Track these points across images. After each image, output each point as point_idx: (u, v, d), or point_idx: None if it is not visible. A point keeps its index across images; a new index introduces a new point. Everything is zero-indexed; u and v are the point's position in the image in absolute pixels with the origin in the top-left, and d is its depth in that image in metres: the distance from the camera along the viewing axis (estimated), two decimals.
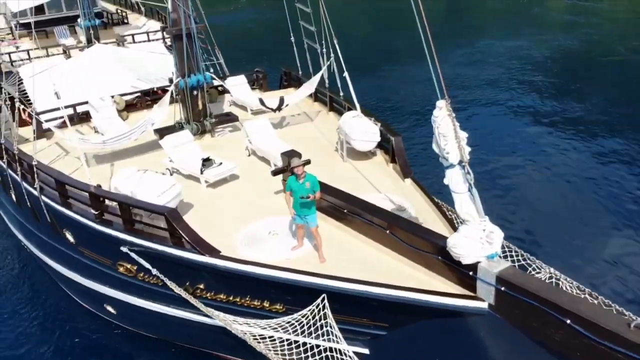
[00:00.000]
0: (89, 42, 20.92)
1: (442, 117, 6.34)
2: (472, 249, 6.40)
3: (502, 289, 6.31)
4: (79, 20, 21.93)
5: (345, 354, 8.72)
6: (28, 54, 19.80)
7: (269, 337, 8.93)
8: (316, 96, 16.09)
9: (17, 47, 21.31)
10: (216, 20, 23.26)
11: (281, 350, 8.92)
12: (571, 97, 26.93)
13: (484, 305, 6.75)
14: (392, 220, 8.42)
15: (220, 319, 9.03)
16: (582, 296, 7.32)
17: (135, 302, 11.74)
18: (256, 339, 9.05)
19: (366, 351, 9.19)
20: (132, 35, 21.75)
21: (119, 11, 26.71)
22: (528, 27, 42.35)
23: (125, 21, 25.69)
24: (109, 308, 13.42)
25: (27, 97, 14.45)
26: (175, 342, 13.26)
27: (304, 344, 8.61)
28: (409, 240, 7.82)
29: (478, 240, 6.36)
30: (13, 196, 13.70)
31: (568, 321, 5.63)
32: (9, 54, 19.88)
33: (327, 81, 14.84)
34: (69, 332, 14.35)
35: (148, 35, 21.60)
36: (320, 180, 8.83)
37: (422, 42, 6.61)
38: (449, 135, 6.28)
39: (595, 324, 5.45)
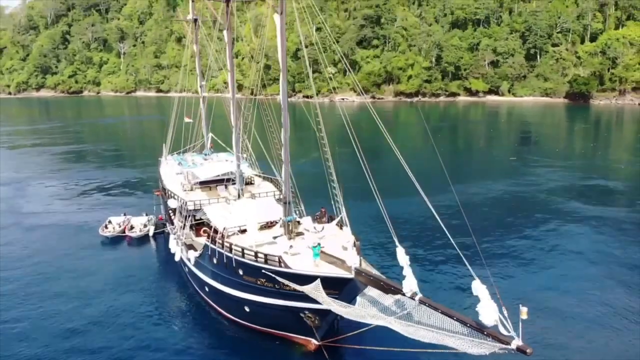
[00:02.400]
0: (239, 197, 43.16)
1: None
2: (351, 261, 26.41)
3: (355, 270, 26.13)
4: (231, 182, 44.55)
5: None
6: (208, 201, 42.34)
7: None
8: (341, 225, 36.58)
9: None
10: (298, 168, 45.08)
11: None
12: None
13: (352, 275, 26.33)
14: (335, 259, 28.64)
15: (307, 289, 28.42)
16: (374, 272, 26.93)
17: (260, 300, 31.67)
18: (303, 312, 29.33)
19: None
20: (259, 193, 43.98)
21: (250, 178, 49.88)
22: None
23: (253, 183, 48.38)
24: (246, 307, 33.45)
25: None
26: (275, 330, 33.02)
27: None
28: (342, 265, 27.82)
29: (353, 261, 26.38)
30: (214, 260, 34.70)
31: (382, 279, 25.22)
32: (199, 200, 42.56)
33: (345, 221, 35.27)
34: (215, 332, 35.04)
35: (267, 194, 43.68)
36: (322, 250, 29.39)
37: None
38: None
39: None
